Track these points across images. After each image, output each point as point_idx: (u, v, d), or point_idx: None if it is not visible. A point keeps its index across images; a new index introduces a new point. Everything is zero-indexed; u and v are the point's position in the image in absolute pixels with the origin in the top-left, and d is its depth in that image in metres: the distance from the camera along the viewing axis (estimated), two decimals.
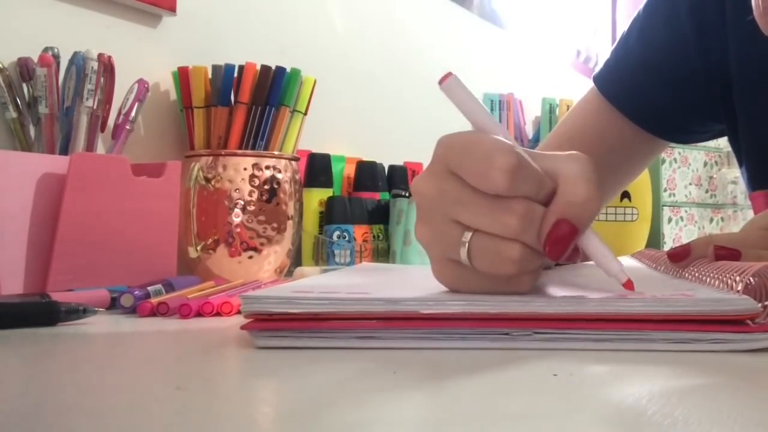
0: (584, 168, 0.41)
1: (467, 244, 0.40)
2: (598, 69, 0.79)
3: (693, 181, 2.68)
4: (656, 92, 0.73)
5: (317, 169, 1.07)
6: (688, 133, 0.78)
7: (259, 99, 0.89)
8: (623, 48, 0.76)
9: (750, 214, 0.75)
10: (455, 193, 0.40)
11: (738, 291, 0.37)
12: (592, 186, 0.40)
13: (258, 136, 0.89)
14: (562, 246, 0.39)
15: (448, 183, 0.40)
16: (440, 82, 0.41)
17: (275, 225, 0.87)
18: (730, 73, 0.72)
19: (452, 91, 0.41)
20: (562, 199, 0.40)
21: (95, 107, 0.78)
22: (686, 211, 2.62)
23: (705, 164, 2.72)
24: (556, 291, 0.43)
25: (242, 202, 0.85)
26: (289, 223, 0.89)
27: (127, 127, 0.82)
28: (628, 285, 0.40)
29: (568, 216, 0.39)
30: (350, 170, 1.14)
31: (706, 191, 2.72)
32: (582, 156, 0.42)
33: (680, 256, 0.50)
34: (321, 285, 0.46)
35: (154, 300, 0.56)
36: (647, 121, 0.75)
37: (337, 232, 1.03)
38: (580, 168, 0.41)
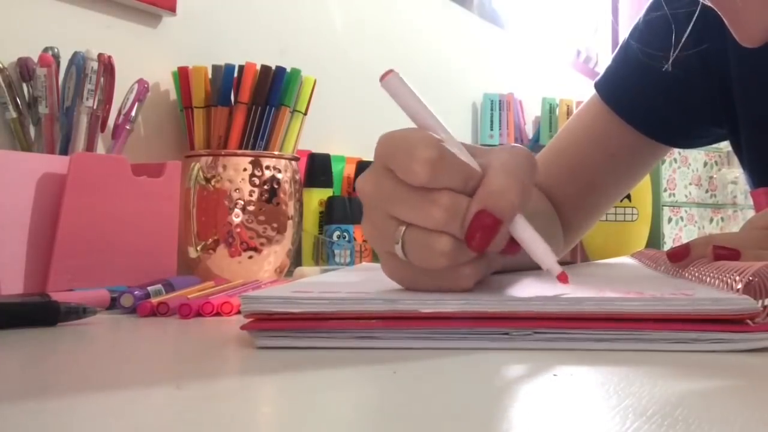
0: (510, 158, 0.41)
1: (401, 239, 0.40)
2: (599, 75, 0.79)
3: (693, 181, 2.68)
4: (657, 98, 0.73)
5: (317, 169, 1.07)
6: (689, 138, 0.79)
7: (259, 99, 0.89)
8: (624, 54, 0.76)
9: (750, 213, 0.75)
10: (389, 189, 0.40)
11: (738, 290, 0.37)
12: (511, 175, 0.40)
13: (258, 136, 0.89)
14: (483, 237, 0.39)
15: (384, 179, 0.40)
16: (381, 79, 0.41)
17: (275, 225, 0.87)
18: (730, 76, 0.72)
19: (393, 89, 0.41)
20: (482, 189, 0.40)
21: (95, 107, 0.78)
22: (686, 211, 2.62)
23: (705, 164, 2.72)
24: (554, 290, 0.43)
25: (242, 202, 0.85)
26: (289, 223, 0.89)
27: (127, 127, 0.82)
28: (562, 277, 0.40)
29: (488, 206, 0.39)
30: (350, 170, 1.14)
31: (706, 191, 2.72)
32: (516, 147, 0.42)
33: (679, 256, 0.50)
34: (321, 285, 0.46)
35: (154, 300, 0.55)
36: (649, 128, 0.75)
37: (337, 232, 1.03)
38: (506, 158, 0.41)
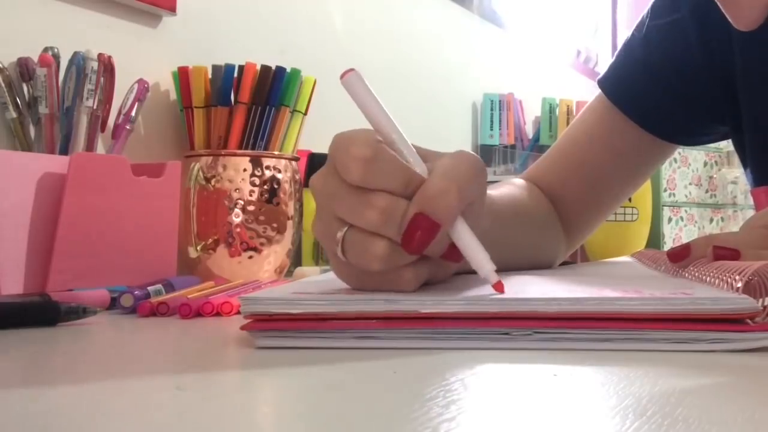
0: (452, 162, 0.41)
1: (341, 240, 0.40)
2: (603, 73, 0.79)
3: (693, 181, 2.68)
4: (661, 95, 0.73)
5: (317, 169, 1.07)
6: (693, 135, 0.79)
7: (259, 99, 0.89)
8: (627, 52, 0.76)
9: (750, 213, 0.75)
10: (334, 187, 0.40)
11: (738, 290, 0.37)
12: (450, 178, 0.40)
13: (258, 136, 0.89)
14: (420, 240, 0.39)
15: (331, 177, 0.41)
16: (341, 77, 0.41)
17: (275, 225, 0.87)
18: (735, 73, 0.72)
19: (351, 87, 0.42)
20: (421, 192, 0.40)
21: (95, 107, 0.78)
22: (686, 211, 2.62)
23: (705, 164, 2.72)
24: (554, 290, 0.43)
25: (242, 202, 0.85)
26: (289, 223, 0.89)
27: (127, 127, 0.82)
28: (498, 287, 0.40)
29: (426, 209, 0.39)
30: None
31: (706, 191, 2.72)
32: (461, 152, 0.42)
33: (680, 256, 0.50)
34: (321, 285, 0.46)
35: (154, 300, 0.55)
36: (653, 125, 0.75)
37: None
38: (448, 162, 0.41)
